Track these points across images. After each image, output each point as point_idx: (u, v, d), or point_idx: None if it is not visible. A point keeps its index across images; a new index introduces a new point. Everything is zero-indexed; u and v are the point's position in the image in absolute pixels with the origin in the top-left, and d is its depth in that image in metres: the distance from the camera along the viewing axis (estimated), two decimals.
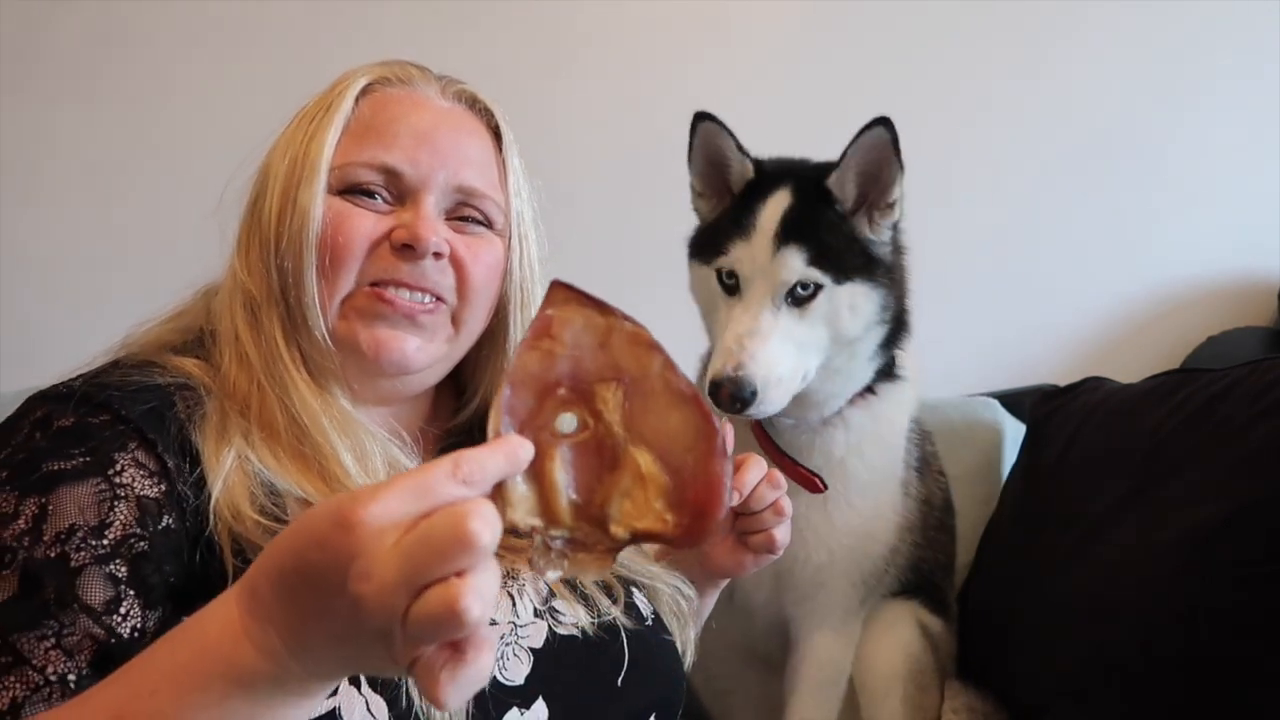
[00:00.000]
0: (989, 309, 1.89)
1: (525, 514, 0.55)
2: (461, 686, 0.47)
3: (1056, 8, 1.87)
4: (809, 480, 1.21)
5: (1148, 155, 1.88)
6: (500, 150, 0.93)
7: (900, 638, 1.31)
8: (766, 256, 1.15)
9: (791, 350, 1.14)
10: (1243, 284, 1.85)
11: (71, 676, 0.66)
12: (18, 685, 0.64)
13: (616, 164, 1.90)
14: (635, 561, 0.94)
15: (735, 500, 0.80)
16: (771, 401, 1.12)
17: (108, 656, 0.67)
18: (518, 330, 0.93)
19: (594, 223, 1.85)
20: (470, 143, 0.90)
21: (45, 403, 0.76)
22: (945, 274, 1.84)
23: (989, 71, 1.88)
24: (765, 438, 1.25)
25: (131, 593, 0.69)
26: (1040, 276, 1.90)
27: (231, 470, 0.76)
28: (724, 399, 1.10)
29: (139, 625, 0.69)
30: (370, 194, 0.85)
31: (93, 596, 0.68)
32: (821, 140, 1.83)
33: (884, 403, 1.27)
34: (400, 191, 0.86)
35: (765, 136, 1.96)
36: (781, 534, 0.90)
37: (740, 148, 1.22)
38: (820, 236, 1.16)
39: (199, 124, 1.86)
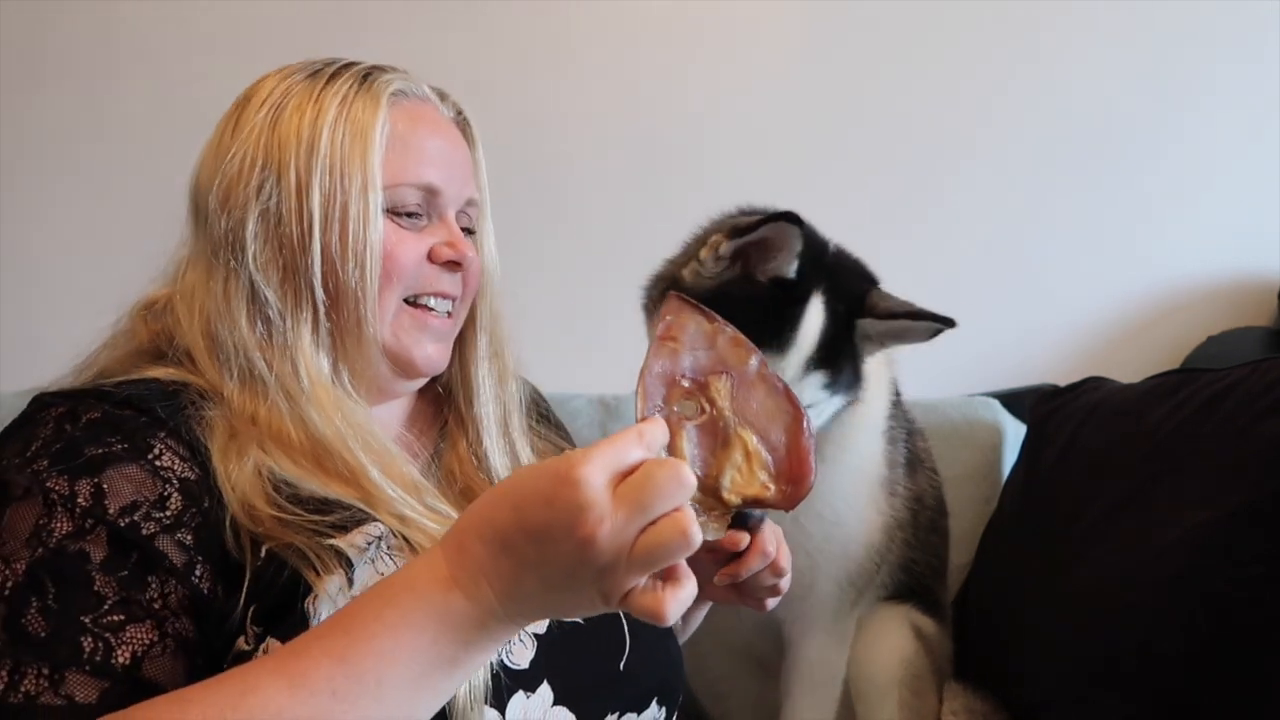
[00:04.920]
0: (989, 309, 1.88)
1: None
2: (680, 603, 0.58)
3: (1057, 7, 1.87)
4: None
5: (1147, 154, 1.87)
6: (474, 154, 0.98)
7: (894, 643, 1.31)
8: (794, 375, 1.11)
9: None
10: (1243, 284, 1.85)
11: (183, 632, 0.70)
12: (137, 639, 0.68)
13: (614, 160, 1.89)
14: None
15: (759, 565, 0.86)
16: None
17: (200, 614, 0.71)
18: (483, 315, 0.99)
19: (591, 217, 1.86)
20: (467, 156, 0.96)
21: (64, 399, 0.78)
22: (945, 274, 1.83)
23: (988, 71, 1.88)
24: None
25: (200, 558, 0.73)
26: (1040, 276, 1.90)
27: (244, 470, 0.78)
28: None
29: (212, 587, 0.73)
30: (414, 214, 0.90)
31: (174, 559, 0.71)
32: (818, 139, 1.83)
33: (841, 432, 1.23)
34: (430, 208, 0.91)
35: (764, 135, 1.95)
36: (784, 584, 0.93)
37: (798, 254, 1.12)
38: (839, 363, 1.14)
39: (201, 124, 1.86)
